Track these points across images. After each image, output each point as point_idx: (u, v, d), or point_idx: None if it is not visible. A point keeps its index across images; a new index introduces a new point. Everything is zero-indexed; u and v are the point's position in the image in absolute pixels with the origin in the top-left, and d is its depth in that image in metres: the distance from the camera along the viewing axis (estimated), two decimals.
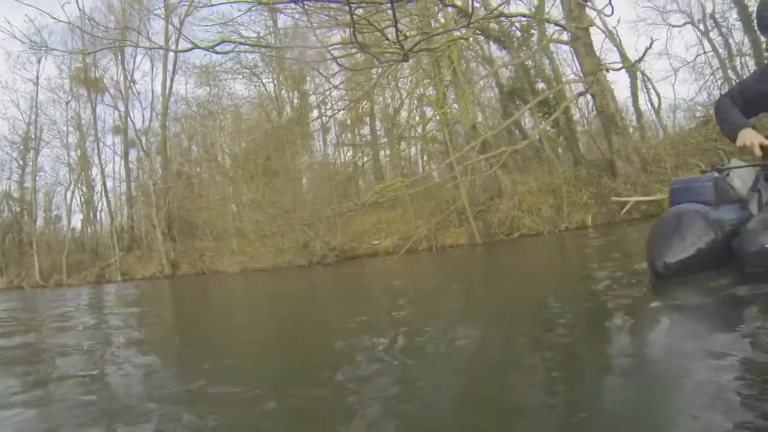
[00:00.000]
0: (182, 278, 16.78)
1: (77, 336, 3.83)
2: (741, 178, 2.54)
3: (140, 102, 22.96)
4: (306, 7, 7.17)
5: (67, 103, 23.42)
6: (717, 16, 16.03)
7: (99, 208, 24.85)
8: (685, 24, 16.91)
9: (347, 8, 8.96)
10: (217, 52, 7.79)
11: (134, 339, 3.44)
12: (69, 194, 24.61)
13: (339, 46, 7.72)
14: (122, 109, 22.57)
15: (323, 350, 2.32)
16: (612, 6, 4.06)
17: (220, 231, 17.02)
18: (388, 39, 6.72)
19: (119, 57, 22.03)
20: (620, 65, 10.25)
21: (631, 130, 12.51)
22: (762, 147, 2.15)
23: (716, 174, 2.51)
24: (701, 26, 16.53)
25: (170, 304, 7.08)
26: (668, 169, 9.59)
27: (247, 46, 8.57)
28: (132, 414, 1.61)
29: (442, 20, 10.80)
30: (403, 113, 15.88)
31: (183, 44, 18.75)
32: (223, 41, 6.83)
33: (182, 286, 12.11)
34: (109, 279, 20.33)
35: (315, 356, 2.23)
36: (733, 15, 14.90)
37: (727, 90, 2.64)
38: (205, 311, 5.60)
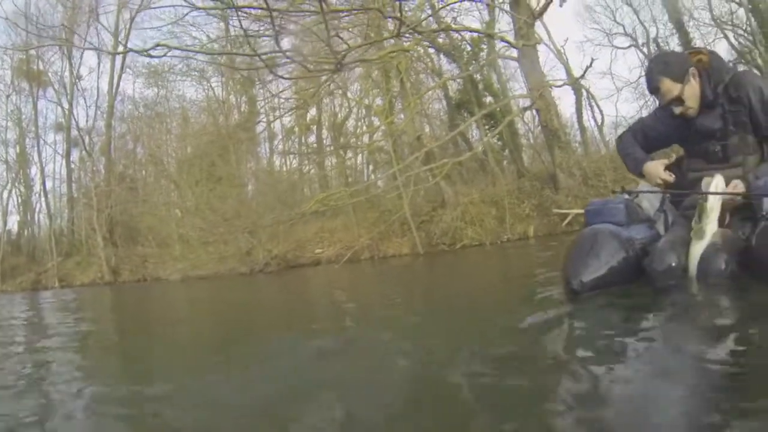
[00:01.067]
0: (123, 285, 16.23)
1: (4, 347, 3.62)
2: (649, 200, 2.74)
3: (85, 99, 21.86)
4: (240, 14, 6.92)
5: (8, 96, 22.35)
6: (660, 40, 16.88)
7: (37, 210, 23.77)
8: (629, 46, 17.74)
9: (294, 16, 8.80)
10: (150, 56, 7.45)
11: (67, 349, 3.29)
12: (5, 194, 23.50)
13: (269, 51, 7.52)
14: (66, 105, 21.52)
15: (263, 356, 2.35)
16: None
17: (164, 237, 16.42)
18: (330, 48, 6.56)
19: (65, 51, 21.04)
20: (562, 82, 10.52)
21: (575, 145, 12.86)
22: (668, 169, 2.44)
23: (627, 196, 2.71)
24: (645, 49, 17.35)
25: (110, 312, 6.85)
26: (608, 183, 9.84)
27: (182, 51, 8.22)
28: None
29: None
30: (351, 122, 15.89)
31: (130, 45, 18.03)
32: (158, 45, 6.59)
33: (123, 293, 11.73)
34: (46, 285, 19.77)
35: (253, 362, 2.25)
36: (675, 40, 15.72)
37: (628, 127, 2.90)
38: (146, 320, 5.43)
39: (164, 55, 7.12)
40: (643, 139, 2.64)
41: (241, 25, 6.92)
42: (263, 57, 6.90)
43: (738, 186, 2.24)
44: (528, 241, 9.76)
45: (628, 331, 1.81)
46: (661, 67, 2.37)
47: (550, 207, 10.09)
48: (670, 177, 2.43)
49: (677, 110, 2.38)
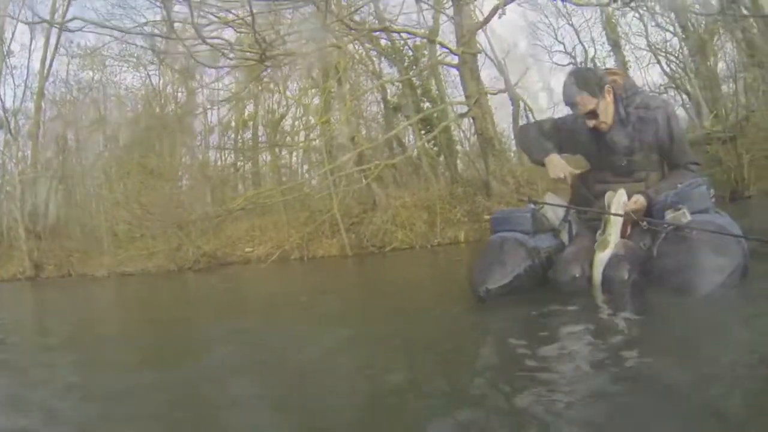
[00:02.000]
0: (46, 281, 15.54)
1: None
2: (554, 210, 2.89)
3: (13, 78, 20.20)
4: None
5: None
6: (597, 60, 17.65)
7: None
8: (568, 64, 18.40)
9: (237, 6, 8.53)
10: (68, 30, 7.14)
11: None
12: None
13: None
14: None
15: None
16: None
17: (91, 230, 15.59)
18: (255, 37, 6.44)
19: None
20: (497, 90, 10.82)
21: (510, 154, 13.19)
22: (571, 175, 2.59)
23: (533, 206, 2.85)
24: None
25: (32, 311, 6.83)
26: (540, 191, 10.17)
27: (99, 28, 7.91)
28: None
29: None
30: (289, 120, 15.71)
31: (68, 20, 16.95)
32: (75, 19, 6.37)
33: (46, 290, 11.47)
34: None
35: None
36: (611, 61, 16.50)
37: (535, 121, 3.19)
38: (66, 318, 5.45)
39: (80, 29, 6.85)
40: (554, 132, 2.80)
41: (164, 7, 6.73)
42: (187, 44, 6.72)
43: (639, 200, 2.41)
44: (458, 246, 9.93)
45: (529, 335, 1.93)
46: (579, 82, 2.50)
47: (482, 213, 10.27)
48: (571, 175, 2.60)
49: (590, 123, 2.53)
